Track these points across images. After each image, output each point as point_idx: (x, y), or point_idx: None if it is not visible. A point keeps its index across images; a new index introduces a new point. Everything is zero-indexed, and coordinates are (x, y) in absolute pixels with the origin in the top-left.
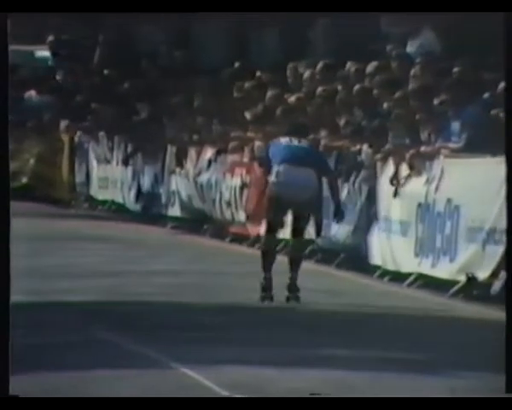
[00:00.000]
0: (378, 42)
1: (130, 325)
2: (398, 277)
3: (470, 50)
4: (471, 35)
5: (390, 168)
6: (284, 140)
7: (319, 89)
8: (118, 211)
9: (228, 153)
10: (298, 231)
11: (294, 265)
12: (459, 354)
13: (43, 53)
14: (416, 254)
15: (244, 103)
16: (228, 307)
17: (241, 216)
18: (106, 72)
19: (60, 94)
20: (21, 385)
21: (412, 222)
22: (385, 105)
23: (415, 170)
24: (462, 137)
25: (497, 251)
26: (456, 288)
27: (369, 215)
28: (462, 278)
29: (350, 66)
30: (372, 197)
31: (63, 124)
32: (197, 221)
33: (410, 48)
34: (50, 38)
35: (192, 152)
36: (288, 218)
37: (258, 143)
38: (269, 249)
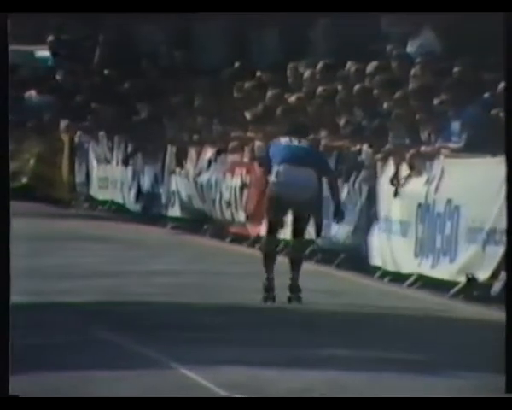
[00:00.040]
0: (378, 42)
1: (130, 325)
2: (398, 277)
3: (470, 50)
4: (471, 35)
5: (390, 168)
6: (284, 140)
7: (319, 89)
8: (118, 211)
9: (228, 153)
10: (298, 231)
11: (295, 265)
12: (459, 354)
13: (43, 53)
14: (416, 255)
15: (244, 103)
16: (228, 308)
17: (241, 216)
18: (106, 72)
19: (60, 94)
20: (21, 385)
21: (412, 222)
22: (385, 105)
23: (415, 170)
24: (463, 137)
25: (498, 252)
26: (456, 289)
27: (369, 215)
28: (463, 279)
29: (350, 66)
30: (372, 197)
31: (63, 124)
32: (197, 221)
33: (410, 48)
34: (50, 38)
35: (192, 152)
36: (289, 218)
37: (258, 143)
38: (270, 250)
